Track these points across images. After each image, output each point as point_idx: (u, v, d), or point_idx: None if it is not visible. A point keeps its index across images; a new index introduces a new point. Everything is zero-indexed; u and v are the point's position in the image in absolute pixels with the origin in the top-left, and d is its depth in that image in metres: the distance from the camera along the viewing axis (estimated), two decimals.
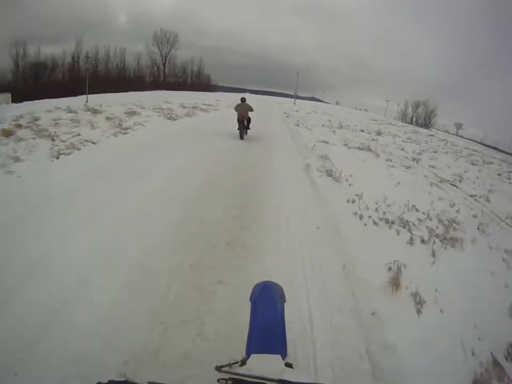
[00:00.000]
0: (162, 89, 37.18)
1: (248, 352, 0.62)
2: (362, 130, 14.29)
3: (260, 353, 0.58)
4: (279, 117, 16.35)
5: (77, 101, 12.65)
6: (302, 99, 45.71)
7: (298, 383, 0.56)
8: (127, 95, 23.11)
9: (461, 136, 42.02)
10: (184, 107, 13.97)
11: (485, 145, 37.21)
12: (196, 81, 45.60)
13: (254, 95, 36.88)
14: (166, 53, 43.07)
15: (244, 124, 7.55)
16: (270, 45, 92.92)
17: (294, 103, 33.78)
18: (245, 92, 43.47)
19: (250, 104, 7.82)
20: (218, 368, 0.63)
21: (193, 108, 14.32)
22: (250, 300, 0.74)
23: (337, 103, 62.93)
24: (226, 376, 0.59)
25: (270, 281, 0.82)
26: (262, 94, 45.59)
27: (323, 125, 13.79)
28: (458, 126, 54.21)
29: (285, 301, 0.74)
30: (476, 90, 65.85)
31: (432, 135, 22.72)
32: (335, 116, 20.95)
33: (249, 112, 7.66)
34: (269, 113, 16.91)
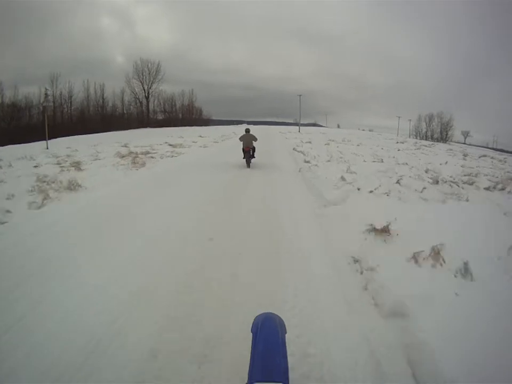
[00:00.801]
0: (147, 127, 33.14)
1: (251, 380, 0.59)
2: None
3: (262, 381, 0.58)
4: (288, 159, 9.46)
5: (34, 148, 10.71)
6: (303, 125, 42.58)
7: None
8: (98, 137, 19.29)
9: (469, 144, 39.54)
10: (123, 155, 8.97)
11: (495, 149, 36.02)
12: (187, 116, 42.19)
13: (252, 125, 33.10)
14: (148, 85, 39.69)
15: (249, 153, 7.95)
16: (266, 75, 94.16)
17: (299, 131, 30.13)
18: (243, 124, 39.61)
19: (254, 134, 8.34)
20: None
21: (142, 153, 9.38)
22: (251, 330, 0.71)
23: (338, 126, 59.43)
24: None
25: (271, 313, 0.77)
26: (262, 124, 41.92)
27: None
28: (466, 134, 50.75)
29: (285, 332, 0.71)
30: (477, 96, 63.18)
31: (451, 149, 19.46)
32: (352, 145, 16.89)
33: (254, 142, 8.19)
34: (271, 151, 11.35)
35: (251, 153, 7.85)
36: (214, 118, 46.55)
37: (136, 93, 39.09)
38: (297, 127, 35.42)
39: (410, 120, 43.05)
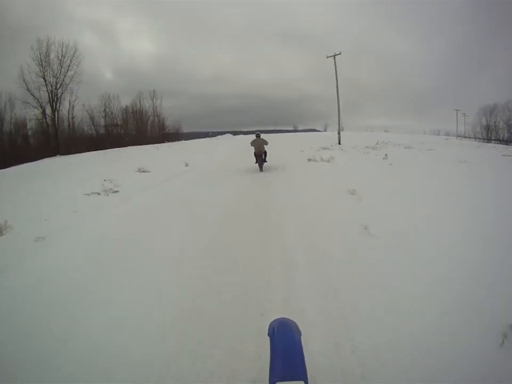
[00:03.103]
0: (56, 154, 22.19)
1: (273, 379, 0.62)
2: None
3: (283, 380, 0.60)
4: None
5: None
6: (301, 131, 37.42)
7: None
8: None
9: None
10: None
11: None
12: (141, 130, 32.82)
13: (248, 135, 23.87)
14: (56, 82, 26.04)
15: (261, 157, 8.40)
16: (259, 82, 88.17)
17: (339, 142, 17.86)
18: (239, 134, 32.72)
19: (265, 139, 8.70)
20: None
21: None
22: (268, 334, 0.75)
23: (342, 129, 49.98)
24: None
25: (285, 318, 0.81)
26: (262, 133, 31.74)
27: None
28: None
29: (301, 334, 0.75)
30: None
31: None
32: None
33: (265, 146, 8.56)
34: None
35: (263, 157, 8.43)
36: (189, 130, 39.13)
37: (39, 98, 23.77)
38: (299, 133, 25.62)
39: (465, 114, 33.86)
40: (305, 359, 0.64)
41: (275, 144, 13.63)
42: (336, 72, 18.71)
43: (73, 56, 25.04)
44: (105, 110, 30.07)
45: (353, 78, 77.60)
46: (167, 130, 36.22)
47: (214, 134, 32.23)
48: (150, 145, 24.29)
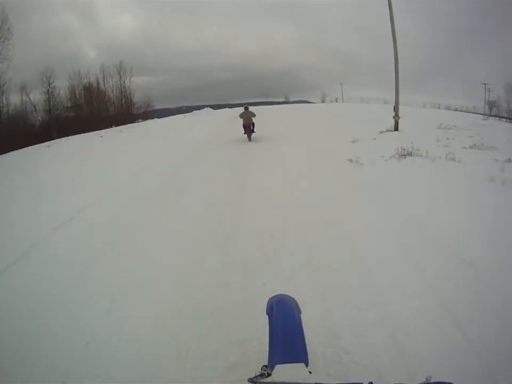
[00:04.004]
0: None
1: (272, 362, 0.59)
2: None
3: (284, 363, 0.57)
4: None
5: None
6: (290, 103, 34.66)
7: None
8: None
9: None
10: None
11: None
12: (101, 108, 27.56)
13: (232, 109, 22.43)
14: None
15: (249, 128, 9.02)
16: (247, 53, 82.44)
17: (396, 126, 9.02)
18: (204, 108, 27.64)
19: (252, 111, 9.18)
20: (252, 380, 0.64)
21: None
22: (267, 313, 0.72)
23: (336, 100, 45.24)
24: None
25: (283, 294, 0.79)
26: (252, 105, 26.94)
27: None
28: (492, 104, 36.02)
29: (301, 312, 0.72)
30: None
31: None
32: None
33: (253, 118, 9.03)
34: None
35: (251, 128, 9.05)
36: (162, 106, 34.07)
37: None
38: (294, 105, 22.03)
39: (488, 88, 29.13)
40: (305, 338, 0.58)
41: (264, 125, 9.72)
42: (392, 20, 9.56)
43: None
44: (48, 91, 23.61)
45: (346, 49, 72.01)
46: (135, 108, 30.49)
47: (189, 109, 26.54)
48: (102, 130, 18.40)
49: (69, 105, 25.37)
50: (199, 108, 26.51)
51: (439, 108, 35.93)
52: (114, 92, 30.44)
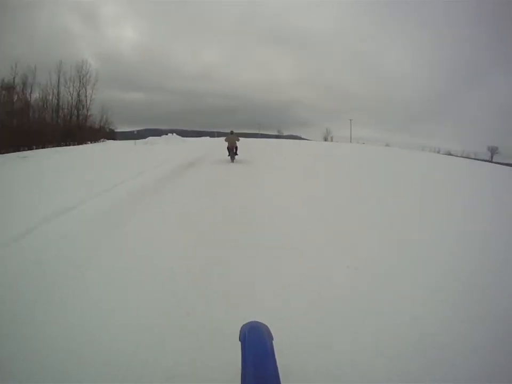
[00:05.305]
0: None
1: None
2: None
3: None
4: None
5: None
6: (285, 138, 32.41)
7: None
8: None
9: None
10: None
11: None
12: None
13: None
14: None
15: (233, 151, 9.94)
16: (245, 82, 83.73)
17: None
18: (205, 136, 27.77)
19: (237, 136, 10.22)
20: None
21: None
22: (239, 339, 0.72)
23: (325, 139, 43.40)
24: None
25: (256, 321, 0.78)
26: (245, 137, 22.79)
27: None
28: (493, 151, 38.42)
29: (272, 339, 0.72)
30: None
31: None
32: None
33: (237, 142, 10.01)
34: None
35: (235, 151, 9.93)
36: (168, 127, 36.43)
37: None
38: (289, 141, 25.94)
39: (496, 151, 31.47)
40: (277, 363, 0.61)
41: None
42: None
43: None
44: None
45: (342, 86, 73.82)
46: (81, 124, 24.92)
47: (142, 135, 21.02)
48: None
49: None
50: (168, 132, 20.98)
51: (438, 152, 34.39)
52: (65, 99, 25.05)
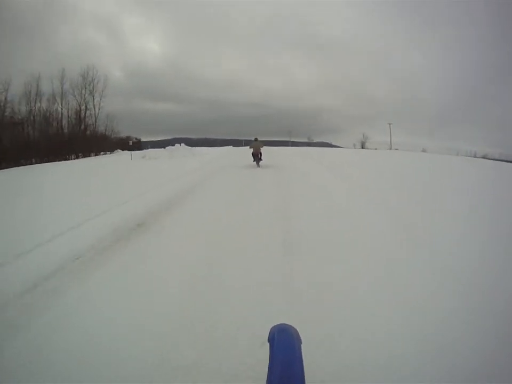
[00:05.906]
0: None
1: None
2: None
3: None
4: None
5: None
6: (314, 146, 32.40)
7: None
8: None
9: None
10: None
11: None
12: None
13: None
14: None
15: (258, 157, 10.86)
16: (271, 90, 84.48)
17: None
18: (229, 146, 26.87)
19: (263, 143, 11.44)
20: None
21: None
22: (268, 341, 0.71)
23: (363, 146, 38.47)
24: None
25: (285, 324, 0.77)
26: (272, 145, 23.57)
27: None
28: None
29: (301, 342, 0.71)
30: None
31: None
32: None
33: (261, 148, 11.01)
34: None
35: (259, 157, 10.85)
36: (198, 136, 36.91)
37: None
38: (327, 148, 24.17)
39: None
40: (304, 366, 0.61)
41: None
42: None
43: None
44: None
45: (367, 90, 69.08)
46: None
47: (153, 145, 17.69)
48: None
49: None
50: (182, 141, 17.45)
51: (475, 156, 31.17)
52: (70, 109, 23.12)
